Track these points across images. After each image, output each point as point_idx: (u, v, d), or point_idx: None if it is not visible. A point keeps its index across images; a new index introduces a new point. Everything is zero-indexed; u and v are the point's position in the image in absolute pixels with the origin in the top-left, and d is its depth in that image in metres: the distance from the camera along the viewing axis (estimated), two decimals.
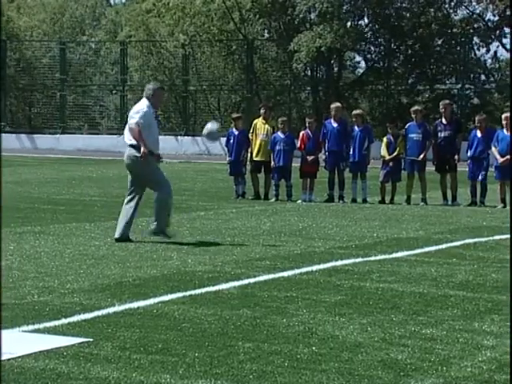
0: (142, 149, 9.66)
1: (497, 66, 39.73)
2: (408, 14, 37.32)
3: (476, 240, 10.36)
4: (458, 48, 37.75)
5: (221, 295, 6.94)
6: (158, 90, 10.14)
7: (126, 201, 9.97)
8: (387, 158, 15.80)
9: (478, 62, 39.07)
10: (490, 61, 39.72)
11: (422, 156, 15.56)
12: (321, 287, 7.32)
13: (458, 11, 39.17)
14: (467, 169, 15.39)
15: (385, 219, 12.82)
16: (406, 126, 16.11)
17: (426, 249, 9.60)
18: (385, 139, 16.04)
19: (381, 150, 16.07)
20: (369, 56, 39.00)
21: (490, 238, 10.59)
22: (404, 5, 37.93)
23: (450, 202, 15.33)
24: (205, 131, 10.37)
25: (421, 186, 15.56)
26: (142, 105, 9.92)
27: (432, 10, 37.40)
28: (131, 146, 9.84)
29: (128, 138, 9.90)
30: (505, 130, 14.98)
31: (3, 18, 38.80)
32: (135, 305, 6.52)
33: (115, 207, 11.33)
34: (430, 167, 15.77)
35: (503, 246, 9.92)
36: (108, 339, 5.54)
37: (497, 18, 39.15)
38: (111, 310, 6.36)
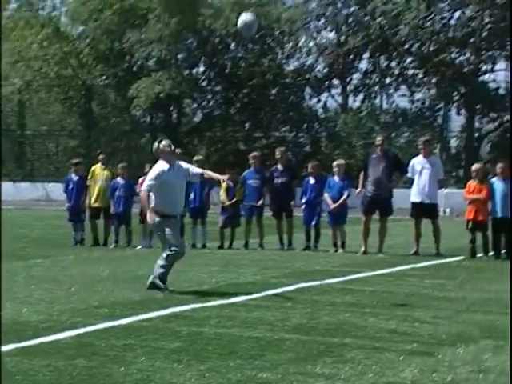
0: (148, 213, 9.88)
1: (327, 115, 41.24)
2: (243, 64, 38.22)
3: (310, 284, 10.69)
4: (292, 97, 38.94)
5: (56, 345, 6.86)
6: (160, 147, 10.07)
7: None
8: (226, 203, 16.08)
9: (310, 111, 40.47)
10: (320, 110, 41.28)
11: (260, 202, 15.94)
12: (160, 334, 7.36)
13: (291, 62, 40.51)
14: (302, 214, 15.88)
15: (224, 264, 13.02)
16: (244, 173, 16.47)
17: (263, 293, 9.83)
18: (224, 185, 16.31)
19: (220, 196, 16.33)
20: (206, 103, 39.58)
21: (323, 281, 10.96)
22: (239, 54, 38.83)
23: (286, 247, 15.74)
24: (241, 24, 10.08)
25: (258, 231, 15.91)
26: (157, 167, 10.02)
27: (266, 60, 38.47)
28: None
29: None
30: (336, 177, 15.60)
31: None
32: None
33: None
34: (267, 212, 16.17)
35: (335, 289, 10.31)
36: None
37: (326, 69, 40.79)
38: None
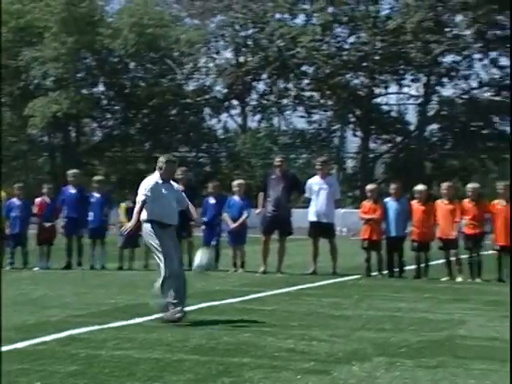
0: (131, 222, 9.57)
1: (227, 135, 41.53)
2: (143, 84, 38.16)
3: (210, 304, 10.73)
4: (191, 117, 39.08)
5: None
6: (168, 162, 9.72)
7: None
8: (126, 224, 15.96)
9: (210, 131, 40.68)
10: (220, 131, 41.54)
11: None
12: (56, 357, 7.26)
13: (190, 83, 40.69)
14: (202, 234, 15.91)
15: (123, 285, 12.92)
16: None
17: (162, 314, 9.79)
18: (123, 205, 16.20)
19: (119, 216, 16.21)
20: (105, 123, 39.32)
21: (223, 301, 11.02)
22: (139, 74, 38.76)
23: (186, 267, 15.70)
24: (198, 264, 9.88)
25: None
26: (151, 178, 9.67)
27: (166, 80, 38.52)
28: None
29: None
30: (235, 197, 15.71)
31: None
32: None
33: None
34: None
35: (235, 309, 10.38)
36: None
37: (225, 90, 41.11)
38: None
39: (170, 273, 9.30)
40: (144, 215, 9.60)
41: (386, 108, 40.12)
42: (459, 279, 14.29)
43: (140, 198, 9.64)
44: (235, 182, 16.20)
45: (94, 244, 15.92)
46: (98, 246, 15.91)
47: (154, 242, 9.46)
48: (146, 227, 9.55)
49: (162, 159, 9.81)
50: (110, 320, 9.24)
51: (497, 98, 38.58)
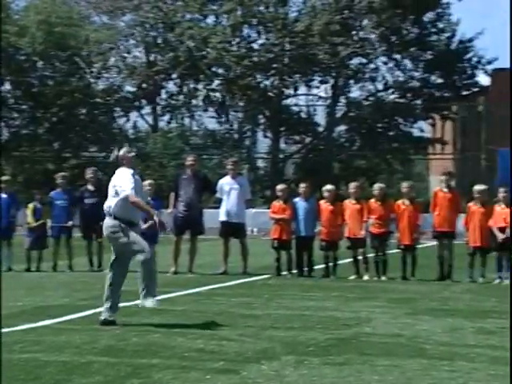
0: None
1: (138, 135, 41.28)
2: (51, 82, 37.59)
3: (120, 305, 10.66)
4: (101, 117, 38.70)
5: None
6: (121, 154, 9.66)
7: None
8: (33, 224, 15.75)
9: (121, 131, 40.38)
10: (131, 130, 41.28)
11: (70, 222, 15.76)
12: None
13: (100, 82, 40.31)
14: None
15: (30, 287, 12.74)
16: (52, 193, 16.20)
17: (72, 316, 9.73)
18: (30, 206, 15.97)
19: (27, 217, 15.97)
20: (12, 122, 38.59)
21: (132, 302, 10.96)
22: (47, 73, 38.16)
23: (96, 268, 15.60)
24: None
25: (67, 253, 15.70)
26: (125, 172, 9.51)
27: (75, 79, 38.05)
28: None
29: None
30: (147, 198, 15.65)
31: None
32: None
33: None
34: (77, 233, 15.98)
35: (144, 310, 10.34)
36: None
37: (136, 90, 40.88)
38: None
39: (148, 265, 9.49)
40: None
41: (295, 109, 40.54)
42: (366, 277, 14.58)
43: (131, 191, 9.36)
44: (145, 182, 16.12)
45: (1, 245, 15.64)
46: (4, 247, 15.63)
47: (124, 239, 9.37)
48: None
49: (115, 154, 9.68)
50: (16, 323, 9.11)
51: (402, 100, 39.43)
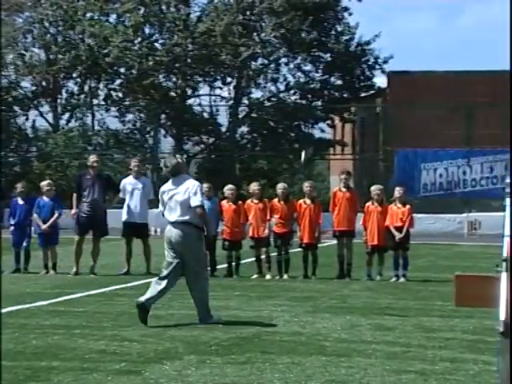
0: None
1: (37, 134, 40.51)
2: None
3: (18, 307, 10.51)
4: None
5: None
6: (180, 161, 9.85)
7: None
8: None
9: (20, 130, 39.57)
10: (30, 129, 40.51)
11: None
12: None
13: None
14: (11, 236, 15.54)
15: None
16: None
17: None
18: None
19: None
20: None
21: (32, 304, 10.83)
22: None
23: None
24: None
25: None
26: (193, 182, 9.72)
27: None
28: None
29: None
30: (45, 198, 15.45)
31: None
32: None
33: None
34: None
35: (45, 311, 10.23)
36: None
37: (35, 88, 40.17)
38: None
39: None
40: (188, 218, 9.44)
41: (198, 109, 40.52)
42: (268, 277, 14.73)
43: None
44: (44, 183, 15.98)
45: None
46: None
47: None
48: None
49: (175, 161, 9.65)
50: None
51: (303, 102, 39.89)
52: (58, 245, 15.50)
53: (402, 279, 14.23)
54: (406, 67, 37.09)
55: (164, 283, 9.50)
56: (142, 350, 7.81)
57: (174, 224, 9.45)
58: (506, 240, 5.01)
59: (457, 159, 28.92)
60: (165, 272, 9.54)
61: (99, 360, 7.33)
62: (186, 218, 9.41)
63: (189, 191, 9.45)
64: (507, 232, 5.03)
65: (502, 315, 4.79)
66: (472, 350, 7.87)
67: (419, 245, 20.02)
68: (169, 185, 9.63)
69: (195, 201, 9.39)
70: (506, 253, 4.98)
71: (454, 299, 10.86)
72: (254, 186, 15.38)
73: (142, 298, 9.43)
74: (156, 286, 9.53)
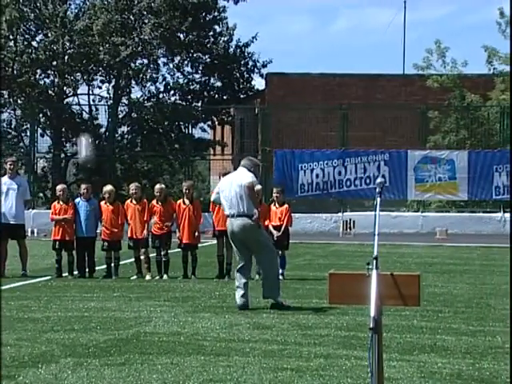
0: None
1: None
2: None
3: None
4: None
5: None
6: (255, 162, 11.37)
7: None
8: None
9: None
10: None
11: None
12: None
13: None
14: None
15: None
16: None
17: None
18: None
19: None
20: None
21: None
22: None
23: None
24: None
25: None
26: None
27: None
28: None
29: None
30: None
31: None
32: None
33: None
34: None
35: None
36: None
37: None
38: None
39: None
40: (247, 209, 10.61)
41: (77, 108, 39.89)
42: (148, 277, 14.68)
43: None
44: None
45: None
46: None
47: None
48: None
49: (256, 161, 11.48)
50: None
51: (183, 102, 39.85)
52: None
53: (280, 277, 14.42)
54: (285, 69, 37.65)
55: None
56: (16, 354, 7.67)
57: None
58: (376, 239, 5.19)
59: (333, 160, 29.49)
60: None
61: None
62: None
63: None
64: (377, 231, 5.22)
65: (372, 311, 4.97)
66: (345, 346, 8.08)
67: (297, 244, 20.35)
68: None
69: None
70: (376, 251, 5.16)
71: (327, 297, 11.09)
72: (132, 187, 15.32)
73: (240, 302, 10.63)
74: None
